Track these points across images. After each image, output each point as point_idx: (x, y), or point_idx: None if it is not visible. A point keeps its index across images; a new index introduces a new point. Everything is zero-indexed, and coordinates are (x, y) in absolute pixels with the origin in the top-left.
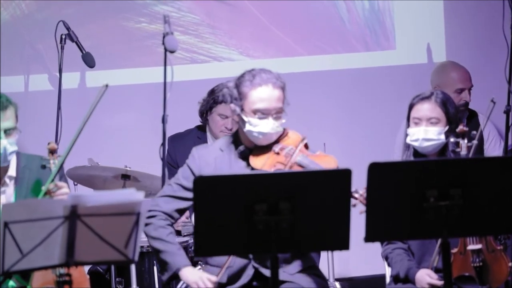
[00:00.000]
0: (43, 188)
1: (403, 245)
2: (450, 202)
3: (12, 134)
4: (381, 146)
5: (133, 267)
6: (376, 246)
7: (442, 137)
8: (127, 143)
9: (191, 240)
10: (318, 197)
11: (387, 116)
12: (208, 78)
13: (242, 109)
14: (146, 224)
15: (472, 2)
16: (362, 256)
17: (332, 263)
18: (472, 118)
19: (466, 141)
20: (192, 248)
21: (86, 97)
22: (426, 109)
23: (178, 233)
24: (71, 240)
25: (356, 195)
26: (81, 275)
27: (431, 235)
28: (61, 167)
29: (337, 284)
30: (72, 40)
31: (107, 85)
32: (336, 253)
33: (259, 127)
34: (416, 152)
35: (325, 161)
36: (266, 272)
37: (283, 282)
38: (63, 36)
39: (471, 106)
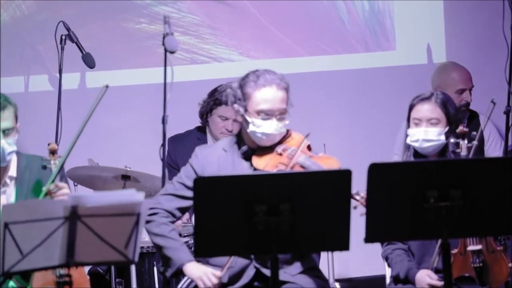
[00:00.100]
0: (44, 189)
1: (403, 246)
2: (450, 202)
3: (11, 135)
4: (381, 146)
5: (133, 268)
6: (376, 247)
7: (442, 137)
8: (127, 144)
9: (191, 241)
10: (318, 197)
11: (387, 116)
12: (208, 78)
13: (245, 110)
14: (148, 222)
15: (472, 3)
16: (362, 256)
17: (332, 264)
18: (473, 118)
19: (466, 141)
20: (192, 248)
21: (86, 97)
22: (426, 109)
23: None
24: (71, 241)
25: (357, 197)
26: (81, 275)
27: (431, 236)
28: (61, 167)
29: (337, 284)
30: (72, 41)
31: (107, 86)
32: (336, 254)
33: (263, 128)
34: (416, 153)
35: (328, 163)
36: (267, 272)
37: (285, 282)
38: (63, 37)
39: (471, 107)
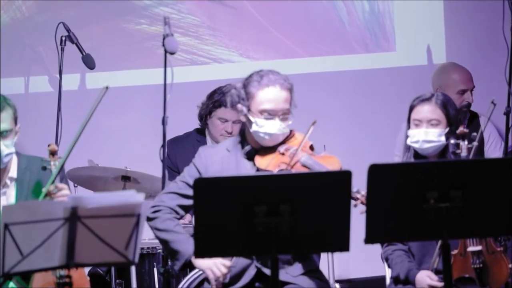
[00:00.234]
0: (44, 190)
1: (403, 247)
2: (450, 203)
3: (9, 137)
4: (381, 147)
5: (133, 269)
6: (376, 248)
7: (443, 138)
8: (127, 145)
9: None
10: (318, 198)
11: (387, 117)
12: (208, 79)
13: (249, 109)
14: (152, 219)
15: (472, 4)
16: (362, 257)
17: (332, 265)
18: (473, 119)
19: (466, 142)
20: None
21: (86, 98)
22: (427, 110)
23: None
24: (71, 242)
25: (358, 195)
26: (81, 276)
27: (431, 237)
28: (61, 168)
29: (337, 285)
30: (72, 42)
31: (107, 87)
32: (336, 255)
33: (265, 128)
34: (416, 154)
35: (329, 162)
36: (269, 272)
37: (286, 283)
38: (63, 38)
39: (471, 108)
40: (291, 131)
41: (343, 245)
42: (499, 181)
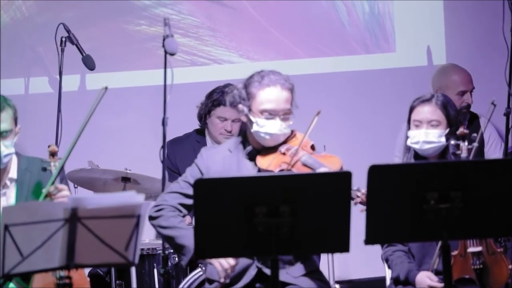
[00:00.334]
0: (44, 191)
1: (403, 248)
2: (450, 204)
3: (9, 137)
4: (381, 148)
5: (133, 270)
6: (376, 249)
7: (443, 139)
8: (127, 146)
9: None
10: (318, 199)
11: (387, 118)
12: (208, 80)
13: (250, 110)
14: (155, 217)
15: (472, 5)
16: (362, 258)
17: (332, 266)
18: (473, 120)
19: (466, 143)
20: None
21: (86, 99)
22: (427, 111)
23: None
24: (71, 243)
25: (358, 194)
26: (81, 277)
27: (431, 238)
28: (61, 169)
29: (337, 286)
30: (72, 43)
31: (106, 88)
32: (336, 256)
33: (266, 128)
34: (416, 155)
35: (330, 161)
36: (269, 273)
37: (287, 284)
38: (63, 39)
39: (471, 109)
40: (292, 131)
41: (343, 246)
42: (499, 182)
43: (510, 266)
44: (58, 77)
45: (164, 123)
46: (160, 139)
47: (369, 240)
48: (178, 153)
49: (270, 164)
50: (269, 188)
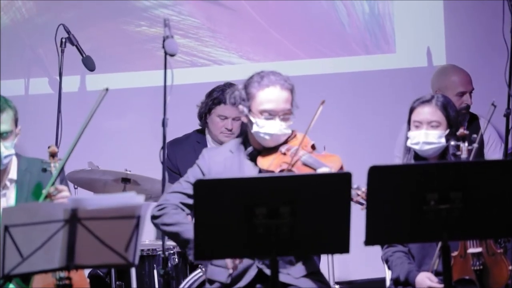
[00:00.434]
0: (44, 192)
1: (403, 248)
2: (450, 205)
3: (9, 138)
4: (381, 149)
5: (133, 271)
6: (376, 249)
7: (443, 140)
8: (127, 147)
9: None
10: (318, 200)
11: (387, 119)
12: (208, 81)
13: (249, 110)
14: (158, 216)
15: (472, 5)
16: (362, 259)
17: (332, 266)
18: (473, 121)
19: (466, 144)
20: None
21: (86, 100)
22: (427, 112)
23: None
24: (71, 244)
25: (358, 192)
26: (81, 278)
27: (431, 238)
28: (61, 170)
29: (337, 287)
30: (72, 44)
31: (107, 89)
32: (336, 256)
33: (266, 128)
34: (416, 155)
35: (330, 160)
36: (270, 273)
37: (288, 285)
38: (63, 40)
39: (471, 110)
40: (292, 131)
41: (343, 247)
42: (499, 183)
43: (510, 267)
44: (58, 78)
45: (164, 124)
46: (160, 140)
47: (369, 241)
48: (178, 154)
49: (270, 164)
50: (268, 189)
